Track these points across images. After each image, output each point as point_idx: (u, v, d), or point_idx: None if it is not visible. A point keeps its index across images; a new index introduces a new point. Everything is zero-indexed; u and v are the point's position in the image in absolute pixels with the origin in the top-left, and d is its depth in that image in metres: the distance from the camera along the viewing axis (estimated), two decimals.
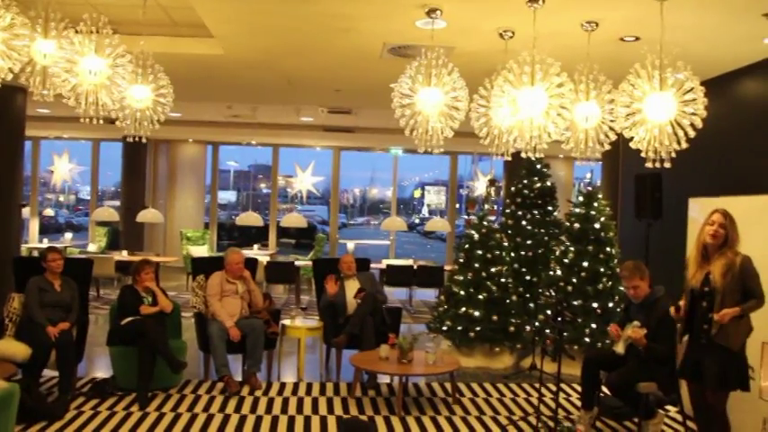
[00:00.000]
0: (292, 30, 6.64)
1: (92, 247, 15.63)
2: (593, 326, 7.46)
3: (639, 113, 4.70)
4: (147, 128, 5.77)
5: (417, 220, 38.97)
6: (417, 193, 46.64)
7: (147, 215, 13.98)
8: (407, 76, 5.14)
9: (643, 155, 4.76)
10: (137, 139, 5.90)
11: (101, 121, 5.10)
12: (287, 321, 7.44)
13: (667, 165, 4.70)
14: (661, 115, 4.60)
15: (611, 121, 5.24)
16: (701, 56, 6.80)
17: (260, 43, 7.20)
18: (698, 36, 6.23)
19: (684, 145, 4.65)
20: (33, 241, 16.54)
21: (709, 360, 4.57)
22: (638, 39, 6.30)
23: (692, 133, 4.61)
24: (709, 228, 4.61)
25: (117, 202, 17.45)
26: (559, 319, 5.71)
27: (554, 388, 5.54)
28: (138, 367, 6.12)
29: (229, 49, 7.45)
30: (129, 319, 6.41)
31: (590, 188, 8.16)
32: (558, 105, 4.83)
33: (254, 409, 6.03)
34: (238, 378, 6.76)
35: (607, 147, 5.46)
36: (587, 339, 7.43)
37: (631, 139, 4.82)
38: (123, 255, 13.01)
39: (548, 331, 7.47)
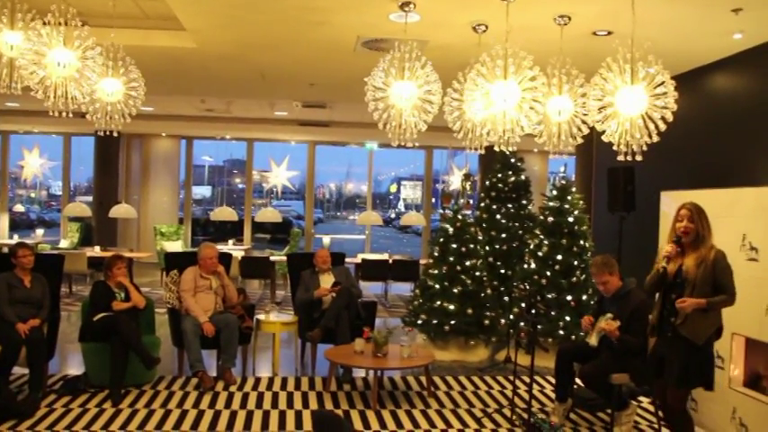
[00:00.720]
0: (265, 23, 6.60)
1: (64, 243, 15.45)
2: (567, 318, 7.50)
3: (611, 107, 4.73)
4: (119, 122, 5.71)
5: (393, 215, 38.99)
6: (393, 188, 46.66)
7: (119, 210, 13.83)
8: (380, 69, 5.13)
9: (615, 148, 4.80)
10: (108, 133, 5.83)
11: (70, 115, 5.03)
12: (261, 316, 7.40)
13: (639, 158, 4.74)
14: (632, 109, 4.64)
15: (584, 114, 5.28)
16: (673, 51, 6.87)
17: (232, 36, 7.14)
18: (669, 31, 6.29)
19: (656, 138, 4.69)
20: (3, 237, 16.32)
21: (672, 356, 4.49)
22: (610, 33, 6.35)
23: (662, 127, 4.65)
24: (680, 225, 4.52)
25: (89, 198, 17.24)
26: (533, 311, 5.74)
27: (528, 380, 5.57)
28: (111, 363, 6.05)
29: (202, 43, 7.40)
30: (102, 314, 6.34)
31: (564, 182, 8.19)
32: (530, 99, 4.85)
33: (228, 405, 5.99)
34: (213, 374, 6.72)
35: (579, 140, 5.50)
36: (561, 332, 7.48)
37: (603, 132, 4.85)
38: (96, 250, 12.86)
39: (522, 324, 7.51)
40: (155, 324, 6.98)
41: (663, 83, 4.61)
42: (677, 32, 6.36)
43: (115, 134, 5.83)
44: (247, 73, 9.05)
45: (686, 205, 4.55)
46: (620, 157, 4.77)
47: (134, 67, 5.64)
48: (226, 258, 7.51)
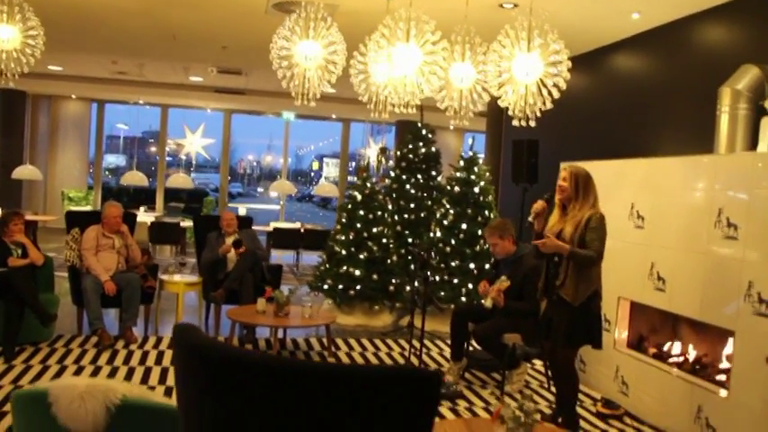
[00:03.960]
0: None
1: None
2: (470, 286, 7.73)
3: (508, 73, 4.88)
4: (15, 70, 5.50)
5: (314, 191, 38.92)
6: (315, 165, 46.57)
7: (24, 172, 13.38)
8: (286, 27, 5.14)
9: (510, 113, 4.96)
10: (7, 86, 5.61)
11: None
12: (165, 276, 7.34)
13: (533, 123, 4.91)
14: (528, 76, 4.79)
15: (484, 82, 5.42)
16: (577, 29, 7.11)
17: None
18: (573, 8, 6.50)
19: (549, 105, 4.87)
20: None
21: (558, 317, 4.59)
22: (516, 6, 6.52)
23: (556, 94, 4.82)
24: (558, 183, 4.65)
25: None
26: (427, 272, 5.90)
27: (428, 342, 5.74)
28: (4, 320, 5.90)
29: None
30: None
31: (471, 153, 8.40)
32: (432, 63, 4.95)
33: (127, 362, 5.95)
34: (114, 333, 6.64)
35: (481, 108, 5.65)
36: (463, 299, 7.70)
37: (500, 98, 5.01)
38: None
39: (417, 285, 7.61)
40: (54, 282, 6.83)
41: (558, 51, 4.78)
42: (579, 9, 6.57)
43: (11, 85, 5.61)
44: (159, 32, 8.86)
45: (566, 167, 4.65)
46: (515, 122, 4.92)
47: (32, 14, 5.43)
48: (130, 218, 7.40)
